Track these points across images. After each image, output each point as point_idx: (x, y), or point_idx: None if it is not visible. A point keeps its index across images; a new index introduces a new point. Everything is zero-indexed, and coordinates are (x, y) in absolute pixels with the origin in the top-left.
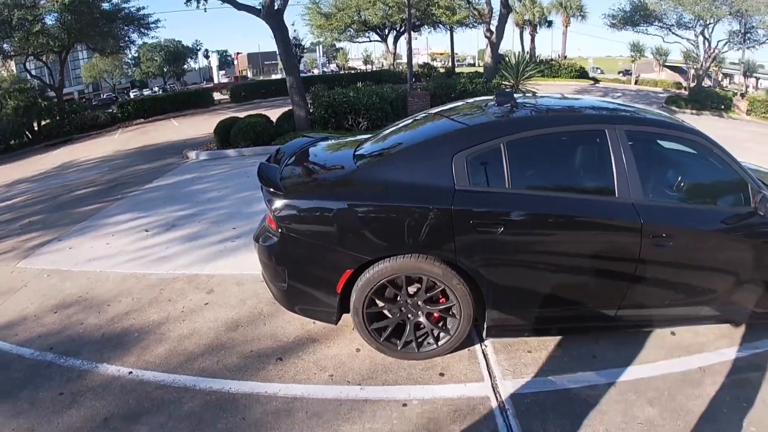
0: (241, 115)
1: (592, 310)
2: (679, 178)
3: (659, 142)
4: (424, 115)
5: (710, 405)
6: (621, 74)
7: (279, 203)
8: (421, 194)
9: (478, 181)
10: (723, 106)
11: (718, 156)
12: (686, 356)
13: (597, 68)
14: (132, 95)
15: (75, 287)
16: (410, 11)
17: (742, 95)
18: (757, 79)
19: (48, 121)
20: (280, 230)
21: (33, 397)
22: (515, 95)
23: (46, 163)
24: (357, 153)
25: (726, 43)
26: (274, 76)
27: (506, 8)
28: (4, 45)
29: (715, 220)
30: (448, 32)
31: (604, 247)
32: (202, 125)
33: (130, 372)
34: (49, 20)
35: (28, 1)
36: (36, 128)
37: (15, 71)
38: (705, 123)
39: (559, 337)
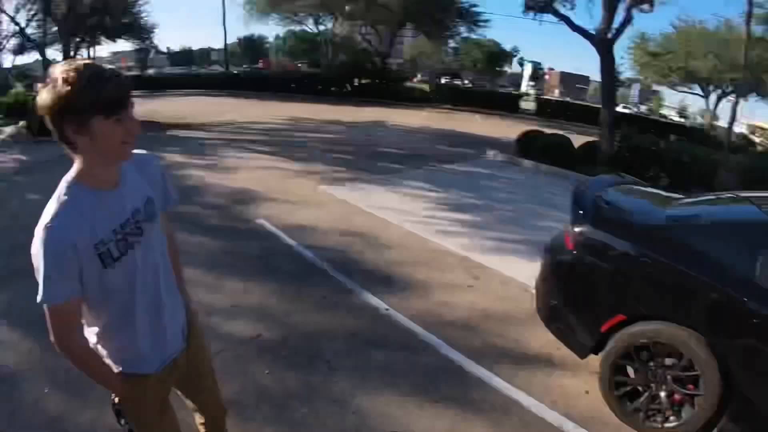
0: (545, 130)
1: None
2: None
3: None
4: (730, 195)
5: None
6: None
7: (584, 229)
8: (715, 270)
9: None
10: None
11: None
12: None
13: None
14: (443, 81)
15: (363, 224)
16: (745, 72)
17: None
18: None
19: (368, 81)
20: (575, 252)
21: (299, 290)
22: None
23: (359, 116)
24: (669, 209)
25: None
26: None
27: None
28: (347, 7)
29: None
30: None
31: None
32: (503, 129)
33: (387, 309)
34: None
35: None
36: (356, 84)
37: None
38: None
39: None
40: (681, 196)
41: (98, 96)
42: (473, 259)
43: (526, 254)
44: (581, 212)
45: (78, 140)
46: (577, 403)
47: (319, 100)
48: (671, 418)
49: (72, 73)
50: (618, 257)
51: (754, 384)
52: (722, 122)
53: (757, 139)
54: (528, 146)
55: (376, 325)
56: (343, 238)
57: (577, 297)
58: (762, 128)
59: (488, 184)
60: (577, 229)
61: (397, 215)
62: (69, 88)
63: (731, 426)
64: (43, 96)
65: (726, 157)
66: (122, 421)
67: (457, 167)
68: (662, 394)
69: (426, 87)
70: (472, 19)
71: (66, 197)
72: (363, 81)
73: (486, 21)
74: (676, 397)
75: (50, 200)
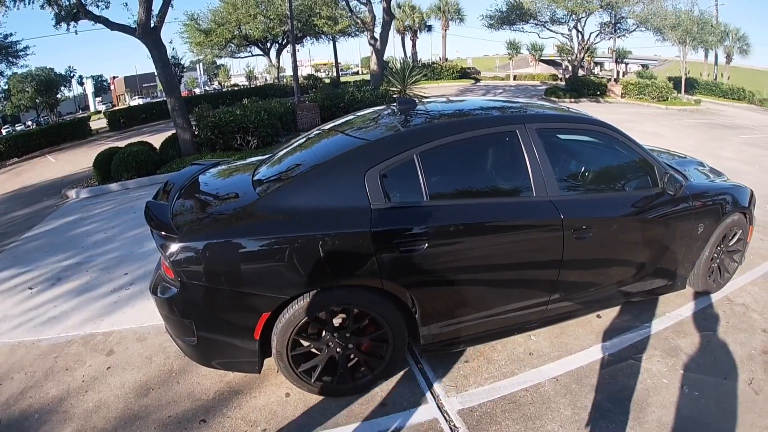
0: (122, 144)
1: (523, 309)
2: (589, 170)
3: (568, 136)
4: (317, 132)
5: (649, 378)
6: (496, 68)
7: (174, 247)
8: (334, 219)
9: (395, 198)
10: (599, 92)
11: (624, 144)
12: (617, 337)
13: (471, 68)
14: (4, 132)
15: None
16: (293, 23)
17: (615, 80)
18: (626, 64)
19: None
20: (179, 279)
21: None
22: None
23: None
24: (255, 178)
25: (598, 34)
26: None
27: (389, 15)
28: None
29: (627, 204)
30: (331, 42)
31: (529, 246)
32: (80, 159)
33: None
34: None
35: None
36: None
37: None
38: (585, 109)
39: (492, 342)
40: (266, 156)
41: None
42: (98, 332)
43: (148, 292)
44: (162, 232)
45: None
46: (286, 413)
47: None
48: (375, 363)
49: None
50: (221, 258)
51: (425, 289)
52: (289, 71)
53: (322, 75)
54: (107, 169)
55: None
56: None
57: (210, 322)
58: (323, 64)
59: (81, 231)
60: (168, 252)
61: None
62: None
63: (429, 331)
64: None
65: (298, 100)
66: None
67: (41, 228)
68: (353, 351)
69: None
70: (10, 51)
71: None
72: None
73: (26, 49)
74: (367, 344)
75: None
